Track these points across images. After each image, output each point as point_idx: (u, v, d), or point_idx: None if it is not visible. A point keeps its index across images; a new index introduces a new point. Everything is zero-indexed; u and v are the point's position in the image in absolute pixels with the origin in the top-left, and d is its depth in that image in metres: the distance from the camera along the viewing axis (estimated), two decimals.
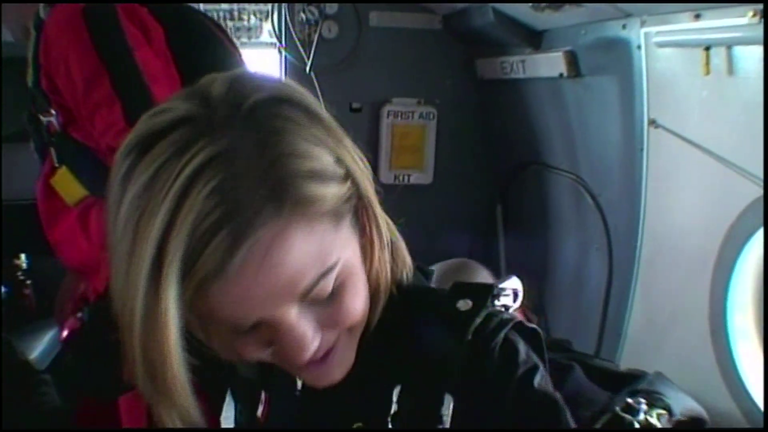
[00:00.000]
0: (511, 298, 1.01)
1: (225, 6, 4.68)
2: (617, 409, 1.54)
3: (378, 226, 0.83)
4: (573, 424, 0.87)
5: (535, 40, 2.64)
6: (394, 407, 0.87)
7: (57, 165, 1.68)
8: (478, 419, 0.84)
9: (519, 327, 0.88)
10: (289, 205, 0.69)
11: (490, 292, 0.89)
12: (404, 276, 0.90)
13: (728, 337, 1.84)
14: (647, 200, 2.18)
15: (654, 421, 1.52)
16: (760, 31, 1.60)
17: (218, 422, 1.25)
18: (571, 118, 2.62)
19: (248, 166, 0.68)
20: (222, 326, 0.75)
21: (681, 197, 2.05)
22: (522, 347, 0.87)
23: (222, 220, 0.66)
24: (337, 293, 0.77)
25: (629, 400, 1.55)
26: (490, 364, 0.84)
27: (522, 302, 2.61)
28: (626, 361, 2.24)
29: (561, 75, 2.49)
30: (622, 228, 2.36)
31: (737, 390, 1.82)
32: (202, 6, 4.54)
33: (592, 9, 2.12)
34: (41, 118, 1.69)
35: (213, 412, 1.22)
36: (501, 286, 0.97)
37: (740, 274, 1.81)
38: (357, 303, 0.80)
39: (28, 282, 2.49)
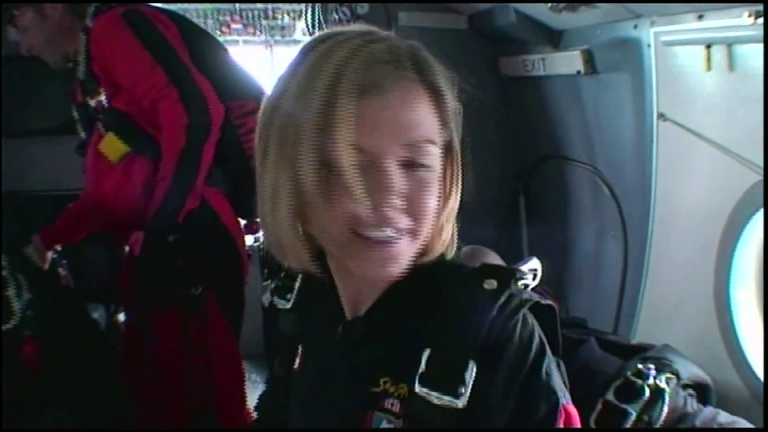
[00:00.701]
0: (530, 277, 1.16)
1: (260, 5, 4.87)
2: (628, 373, 1.72)
3: (456, 183, 1.01)
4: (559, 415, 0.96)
5: (554, 39, 2.78)
6: (422, 368, 0.96)
7: (103, 132, 2.12)
8: (494, 389, 0.94)
9: (536, 305, 1.00)
10: (424, 83, 0.93)
11: (513, 276, 0.99)
12: (450, 249, 1.05)
13: (731, 312, 1.98)
14: (657, 189, 2.32)
15: (663, 384, 1.69)
16: (756, 31, 1.73)
17: None
18: (588, 112, 2.76)
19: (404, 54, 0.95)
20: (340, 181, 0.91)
21: (687, 185, 2.19)
22: (537, 331, 0.98)
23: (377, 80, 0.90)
24: (420, 185, 0.93)
25: (640, 366, 1.73)
26: (509, 342, 0.95)
27: (544, 288, 2.80)
28: (640, 337, 2.38)
29: (578, 72, 2.63)
30: (635, 215, 2.50)
31: (739, 361, 1.96)
32: (237, 6, 4.76)
33: (606, 10, 2.26)
34: (89, 101, 2.15)
35: None
36: (522, 269, 1.11)
37: (742, 253, 1.95)
38: (430, 204, 0.94)
39: (64, 262, 2.68)
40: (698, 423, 1.67)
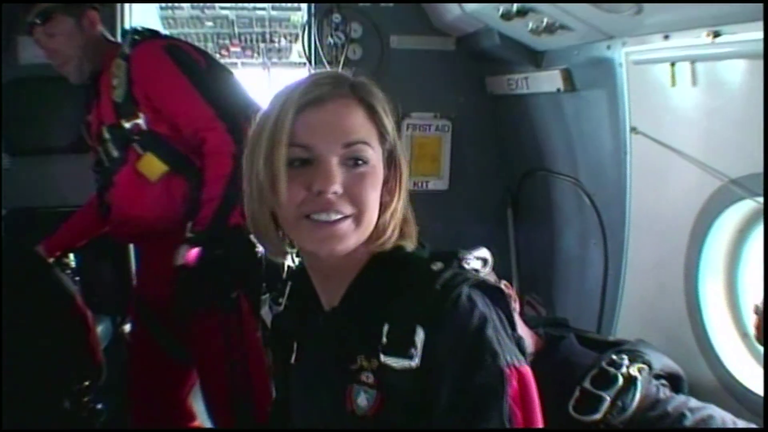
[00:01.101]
0: (480, 263, 1.33)
1: (258, 29, 5.07)
2: (603, 364, 1.89)
3: (399, 186, 1.21)
4: (502, 374, 1.13)
5: (536, 59, 2.95)
6: (384, 340, 1.16)
7: (142, 153, 2.31)
8: (441, 348, 1.13)
9: (483, 285, 1.19)
10: (360, 98, 1.17)
11: (455, 258, 1.22)
12: (407, 243, 1.24)
13: (700, 307, 2.14)
14: (632, 197, 2.48)
15: (635, 373, 1.85)
16: (716, 49, 1.91)
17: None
18: (569, 128, 2.93)
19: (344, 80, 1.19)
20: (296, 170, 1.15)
21: (658, 192, 2.35)
22: (481, 301, 1.17)
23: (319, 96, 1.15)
24: (358, 178, 1.15)
25: (614, 357, 1.89)
26: (450, 311, 1.14)
27: (533, 296, 2.97)
28: (621, 334, 2.52)
29: (558, 90, 2.80)
30: (613, 222, 2.66)
31: (708, 353, 2.12)
32: (236, 29, 4.94)
33: (581, 32, 2.43)
34: (123, 123, 2.32)
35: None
36: (467, 255, 1.29)
37: (709, 252, 2.11)
38: (368, 194, 1.16)
39: (77, 279, 2.83)
40: (669, 408, 1.84)
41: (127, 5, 3.50)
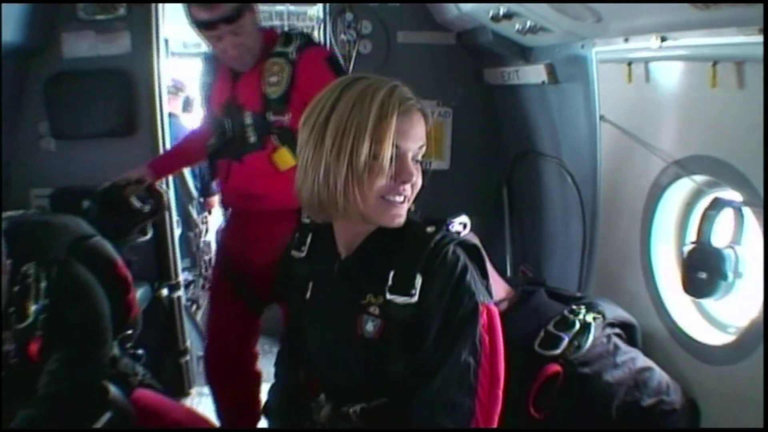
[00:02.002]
0: (462, 227, 1.73)
1: (277, 22, 5.42)
2: (565, 311, 2.30)
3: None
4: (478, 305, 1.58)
5: (525, 54, 3.27)
6: (390, 282, 1.60)
7: (278, 145, 2.67)
8: (433, 290, 1.56)
9: (464, 243, 1.65)
10: (422, 112, 1.56)
11: (444, 223, 1.66)
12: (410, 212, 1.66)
13: (652, 266, 2.52)
14: (602, 176, 2.87)
15: (590, 319, 2.26)
16: (665, 52, 2.28)
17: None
18: (553, 115, 3.28)
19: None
20: (382, 167, 1.51)
21: (621, 171, 2.73)
22: (463, 256, 1.61)
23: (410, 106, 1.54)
24: (418, 172, 1.56)
25: (574, 307, 2.31)
26: (442, 266, 1.58)
27: (526, 265, 3.39)
28: (596, 294, 2.89)
29: (543, 82, 3.13)
30: (589, 198, 3.02)
31: (659, 307, 2.50)
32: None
33: (559, 33, 2.80)
34: (269, 115, 2.67)
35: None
36: (452, 220, 1.70)
37: (660, 221, 2.48)
38: (419, 184, 1.57)
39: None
40: (618, 360, 2.25)
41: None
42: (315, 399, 1.83)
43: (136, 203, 2.95)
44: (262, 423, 2.34)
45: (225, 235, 3.18)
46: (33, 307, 2.11)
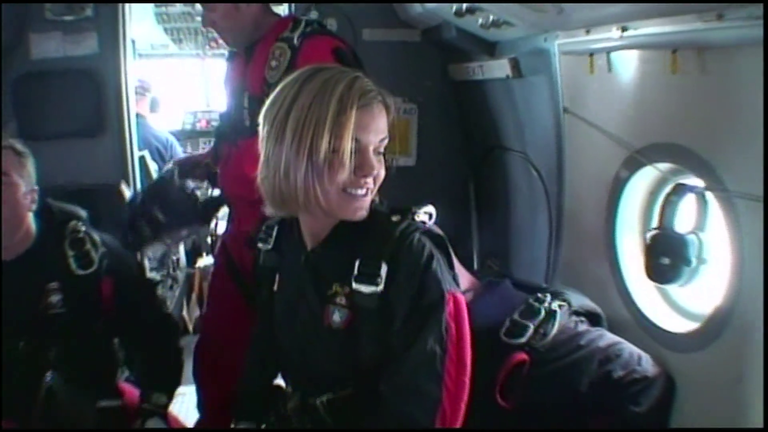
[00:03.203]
0: (427, 217, 1.74)
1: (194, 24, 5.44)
2: (530, 300, 2.31)
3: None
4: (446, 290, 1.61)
5: (490, 49, 3.33)
6: (355, 272, 1.61)
7: None
8: (399, 278, 1.59)
9: (430, 233, 1.66)
10: (384, 104, 1.59)
11: (409, 211, 1.66)
12: (378, 197, 1.68)
13: (617, 255, 2.53)
14: (567, 168, 2.89)
15: (555, 307, 2.27)
16: (623, 41, 2.30)
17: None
18: (518, 109, 3.32)
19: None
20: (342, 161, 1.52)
21: (585, 162, 2.76)
22: (429, 244, 1.63)
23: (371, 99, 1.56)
24: (381, 164, 1.59)
25: (539, 295, 2.32)
26: (407, 254, 1.60)
27: (492, 260, 3.39)
28: (562, 284, 2.91)
29: (508, 76, 3.17)
30: (554, 192, 3.06)
31: (625, 295, 2.50)
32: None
33: (522, 27, 2.83)
34: (264, 101, 2.67)
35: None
36: (418, 210, 1.71)
37: (624, 210, 2.48)
38: (382, 175, 1.61)
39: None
40: (583, 342, 2.26)
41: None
42: (283, 392, 1.85)
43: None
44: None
45: (226, 229, 3.22)
46: (94, 253, 2.40)
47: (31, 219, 2.39)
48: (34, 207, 2.39)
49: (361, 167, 1.56)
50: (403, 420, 1.59)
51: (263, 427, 1.99)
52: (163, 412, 2.51)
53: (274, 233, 1.85)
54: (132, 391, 2.61)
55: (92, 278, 2.40)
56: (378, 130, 1.58)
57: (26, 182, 2.35)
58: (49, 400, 2.34)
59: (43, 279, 2.37)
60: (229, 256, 2.99)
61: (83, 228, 2.44)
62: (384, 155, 1.64)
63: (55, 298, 2.36)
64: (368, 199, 1.61)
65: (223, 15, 2.69)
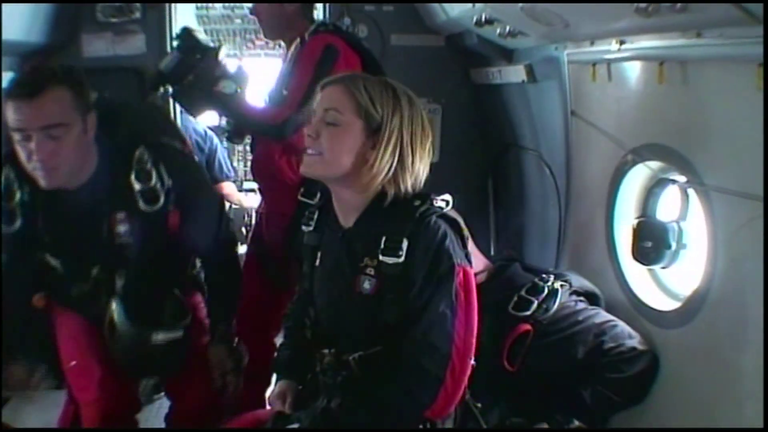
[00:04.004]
0: (444, 203, 1.99)
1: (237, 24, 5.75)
2: (535, 279, 2.62)
3: (384, 154, 1.89)
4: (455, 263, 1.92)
5: (507, 56, 3.62)
6: (381, 246, 1.93)
7: None
8: (417, 252, 1.90)
9: (445, 216, 1.97)
10: (346, 86, 1.90)
11: (428, 197, 1.97)
12: (407, 187, 1.95)
13: (614, 242, 2.82)
14: (573, 165, 3.20)
15: (557, 286, 2.57)
16: (622, 54, 2.60)
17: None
18: (532, 111, 3.61)
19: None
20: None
21: (589, 160, 3.06)
22: (443, 225, 1.94)
23: None
24: (328, 133, 1.90)
25: (543, 276, 2.63)
26: (425, 232, 1.91)
27: (508, 249, 3.72)
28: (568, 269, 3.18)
29: (523, 81, 3.46)
30: (563, 186, 3.36)
31: (620, 279, 2.80)
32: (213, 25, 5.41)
33: (535, 37, 3.13)
34: (283, 91, 2.98)
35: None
36: (437, 197, 1.99)
37: (621, 203, 2.77)
38: (333, 147, 1.90)
39: None
40: (581, 318, 2.57)
41: (173, 6, 4.21)
42: (320, 351, 2.15)
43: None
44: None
45: (257, 213, 3.48)
46: (161, 188, 2.43)
47: (92, 145, 2.36)
48: (92, 133, 2.34)
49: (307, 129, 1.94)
50: (418, 371, 1.90)
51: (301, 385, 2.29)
52: (229, 339, 2.66)
53: (315, 217, 2.17)
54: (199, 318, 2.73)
55: (158, 213, 2.44)
56: (325, 101, 1.92)
57: (80, 112, 2.29)
58: (113, 328, 2.45)
59: (110, 208, 2.41)
60: (260, 242, 3.29)
61: (150, 158, 2.43)
62: (380, 145, 1.90)
63: (122, 229, 2.42)
64: (315, 159, 1.92)
65: (267, 8, 3.04)
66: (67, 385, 2.71)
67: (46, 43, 3.63)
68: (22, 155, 2.25)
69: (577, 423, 2.53)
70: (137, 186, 2.40)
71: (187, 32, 2.99)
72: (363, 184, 1.93)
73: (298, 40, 3.05)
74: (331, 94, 1.93)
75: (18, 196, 2.38)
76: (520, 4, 2.63)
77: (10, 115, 2.19)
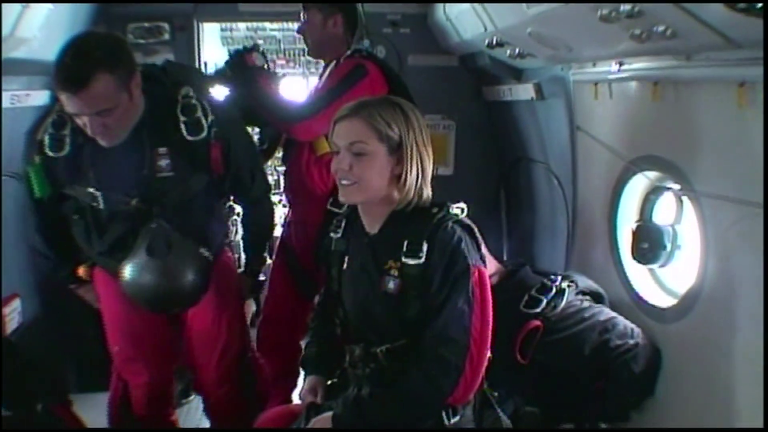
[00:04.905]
0: (459, 210, 2.22)
1: (299, 45, 5.92)
2: (544, 280, 2.86)
3: (411, 167, 2.12)
4: (470, 265, 2.13)
5: (517, 75, 3.84)
6: (404, 249, 2.15)
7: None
8: (435, 253, 2.11)
9: (461, 222, 2.19)
10: (362, 116, 2.11)
11: (446, 205, 2.20)
12: (428, 193, 2.20)
13: (617, 244, 3.06)
14: (579, 177, 3.44)
15: (564, 286, 2.81)
16: (623, 74, 2.84)
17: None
18: (541, 126, 3.84)
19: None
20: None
21: (592, 171, 3.30)
22: (459, 230, 2.15)
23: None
24: (358, 161, 2.10)
25: (552, 277, 2.88)
26: (442, 235, 2.13)
27: (519, 259, 3.96)
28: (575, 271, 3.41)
29: (532, 98, 3.68)
30: (570, 195, 3.60)
31: (623, 278, 3.04)
32: (282, 46, 5.72)
33: (542, 58, 3.37)
34: None
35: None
36: (452, 205, 2.21)
37: (623, 209, 3.02)
38: (367, 175, 2.10)
39: None
40: (586, 315, 2.81)
41: (201, 25, 4.49)
42: (349, 346, 2.37)
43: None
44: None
45: (284, 230, 3.63)
46: (204, 121, 2.59)
47: (140, 97, 2.53)
48: (138, 91, 2.50)
49: (335, 162, 2.15)
50: (440, 361, 2.11)
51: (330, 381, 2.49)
52: (259, 273, 2.96)
53: (343, 224, 2.40)
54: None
55: (202, 143, 2.60)
56: (344, 135, 2.13)
57: (125, 87, 2.43)
58: (153, 243, 2.61)
59: (154, 144, 2.55)
60: (289, 252, 3.48)
61: (194, 94, 2.61)
62: (404, 160, 2.12)
63: (164, 162, 2.57)
64: (354, 188, 2.14)
65: (312, 28, 3.29)
66: (114, 367, 2.95)
67: None
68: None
69: (603, 426, 2.74)
70: (182, 118, 2.57)
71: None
72: (399, 198, 2.16)
73: (335, 61, 3.31)
74: (351, 128, 2.12)
75: (69, 126, 2.56)
76: (528, 29, 2.87)
77: (62, 99, 2.38)
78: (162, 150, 2.57)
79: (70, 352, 3.88)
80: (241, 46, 3.35)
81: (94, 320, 2.94)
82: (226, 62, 3.25)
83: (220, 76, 3.22)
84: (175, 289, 2.66)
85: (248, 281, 3.12)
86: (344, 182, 2.14)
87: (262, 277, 3.25)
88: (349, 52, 3.28)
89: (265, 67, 3.30)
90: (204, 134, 2.59)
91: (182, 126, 2.56)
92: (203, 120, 2.58)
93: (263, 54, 3.32)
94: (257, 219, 3.04)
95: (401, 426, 2.14)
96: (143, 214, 2.61)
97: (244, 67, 3.20)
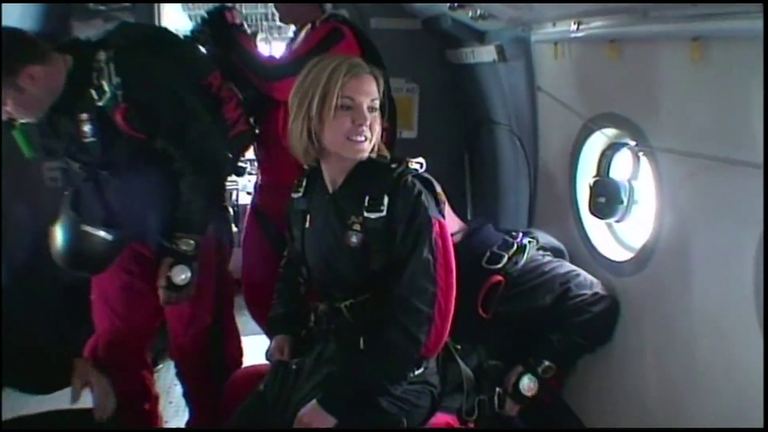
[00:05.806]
0: (418, 165, 2.30)
1: (261, 10, 5.97)
2: (505, 236, 2.93)
3: (381, 120, 2.22)
4: (432, 219, 2.22)
5: (480, 37, 3.84)
6: (365, 204, 2.22)
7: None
8: (397, 207, 2.19)
9: (419, 176, 2.27)
10: (373, 75, 2.20)
11: (406, 160, 2.27)
12: (383, 156, 2.28)
13: (576, 198, 3.15)
14: (540, 136, 3.52)
15: (525, 242, 2.89)
16: (580, 33, 2.87)
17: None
18: (504, 88, 3.82)
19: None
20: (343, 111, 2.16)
21: (553, 130, 3.37)
22: (418, 183, 2.23)
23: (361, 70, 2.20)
24: (373, 118, 2.20)
25: (513, 233, 2.95)
26: (403, 189, 2.20)
27: (482, 220, 3.91)
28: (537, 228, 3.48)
29: (494, 60, 3.68)
30: (532, 156, 3.68)
31: (582, 234, 3.14)
32: (243, 9, 5.76)
33: (504, 20, 3.41)
34: None
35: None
36: (412, 160, 2.30)
37: (582, 164, 3.09)
38: (376, 128, 2.22)
39: None
40: (547, 269, 2.88)
41: None
42: (314, 303, 2.43)
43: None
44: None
45: (255, 194, 3.74)
46: (107, 84, 2.58)
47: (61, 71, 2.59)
48: (37, 80, 2.52)
49: (357, 119, 2.16)
50: (411, 311, 2.19)
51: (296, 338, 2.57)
52: (191, 256, 2.69)
53: (304, 183, 2.45)
54: None
55: (110, 107, 2.58)
56: (367, 92, 2.18)
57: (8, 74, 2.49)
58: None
59: (77, 110, 2.60)
60: (262, 218, 3.53)
61: (104, 57, 2.60)
62: (382, 112, 2.24)
63: (86, 128, 2.61)
64: (367, 144, 2.20)
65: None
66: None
67: (38, 31, 3.82)
68: None
69: (547, 363, 2.80)
70: (96, 83, 2.59)
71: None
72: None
73: (310, 25, 3.37)
74: (372, 84, 2.20)
75: None
76: None
77: None
78: (83, 116, 2.61)
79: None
80: (219, 5, 3.37)
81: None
82: (204, 20, 3.27)
83: (199, 34, 3.24)
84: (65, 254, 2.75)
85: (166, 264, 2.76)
86: (360, 138, 2.19)
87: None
88: (324, 16, 3.35)
89: (244, 25, 3.35)
90: (108, 97, 2.59)
91: (92, 91, 2.59)
92: (105, 84, 2.58)
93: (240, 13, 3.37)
94: (184, 194, 2.73)
95: (388, 382, 2.23)
96: (90, 179, 2.72)
97: (224, 26, 3.24)
